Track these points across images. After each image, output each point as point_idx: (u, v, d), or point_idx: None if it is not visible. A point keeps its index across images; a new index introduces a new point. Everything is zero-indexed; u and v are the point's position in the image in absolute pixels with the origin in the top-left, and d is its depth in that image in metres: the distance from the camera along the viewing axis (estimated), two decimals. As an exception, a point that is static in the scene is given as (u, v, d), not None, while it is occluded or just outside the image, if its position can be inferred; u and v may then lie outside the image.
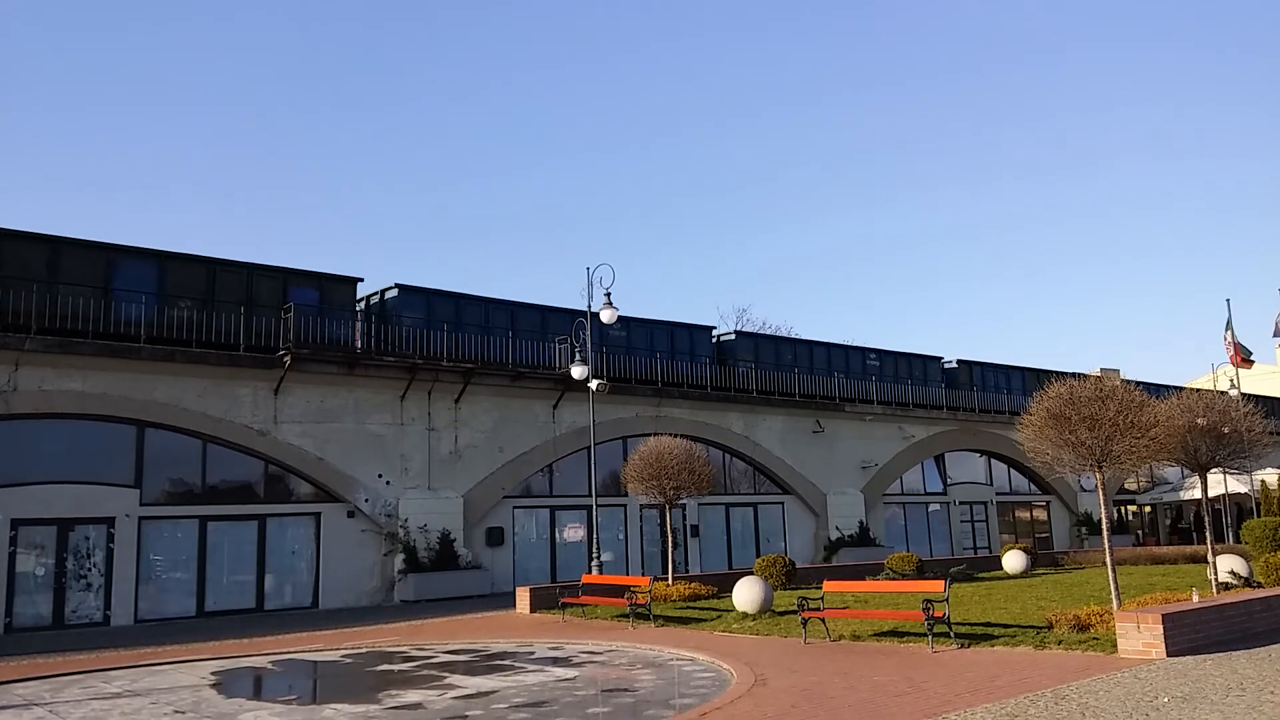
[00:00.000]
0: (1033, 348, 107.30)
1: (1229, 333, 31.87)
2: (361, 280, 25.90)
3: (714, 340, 34.30)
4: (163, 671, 13.85)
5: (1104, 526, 13.73)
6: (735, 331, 34.77)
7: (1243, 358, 32.55)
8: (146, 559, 21.82)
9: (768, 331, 52.53)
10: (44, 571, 20.55)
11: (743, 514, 33.46)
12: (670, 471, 20.54)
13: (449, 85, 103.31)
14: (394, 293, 26.87)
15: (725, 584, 20.45)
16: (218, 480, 23.31)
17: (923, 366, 40.40)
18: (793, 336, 37.08)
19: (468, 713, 9.86)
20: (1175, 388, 41.62)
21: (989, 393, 41.83)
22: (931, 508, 39.88)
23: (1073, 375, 50.19)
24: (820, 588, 15.70)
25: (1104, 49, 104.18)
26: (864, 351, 38.89)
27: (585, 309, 24.14)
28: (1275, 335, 32.51)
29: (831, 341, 38.47)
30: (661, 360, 30.87)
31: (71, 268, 21.64)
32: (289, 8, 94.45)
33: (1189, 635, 11.45)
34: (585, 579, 20.61)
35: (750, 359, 34.22)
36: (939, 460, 40.55)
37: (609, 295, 22.21)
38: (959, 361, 42.22)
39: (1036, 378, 43.82)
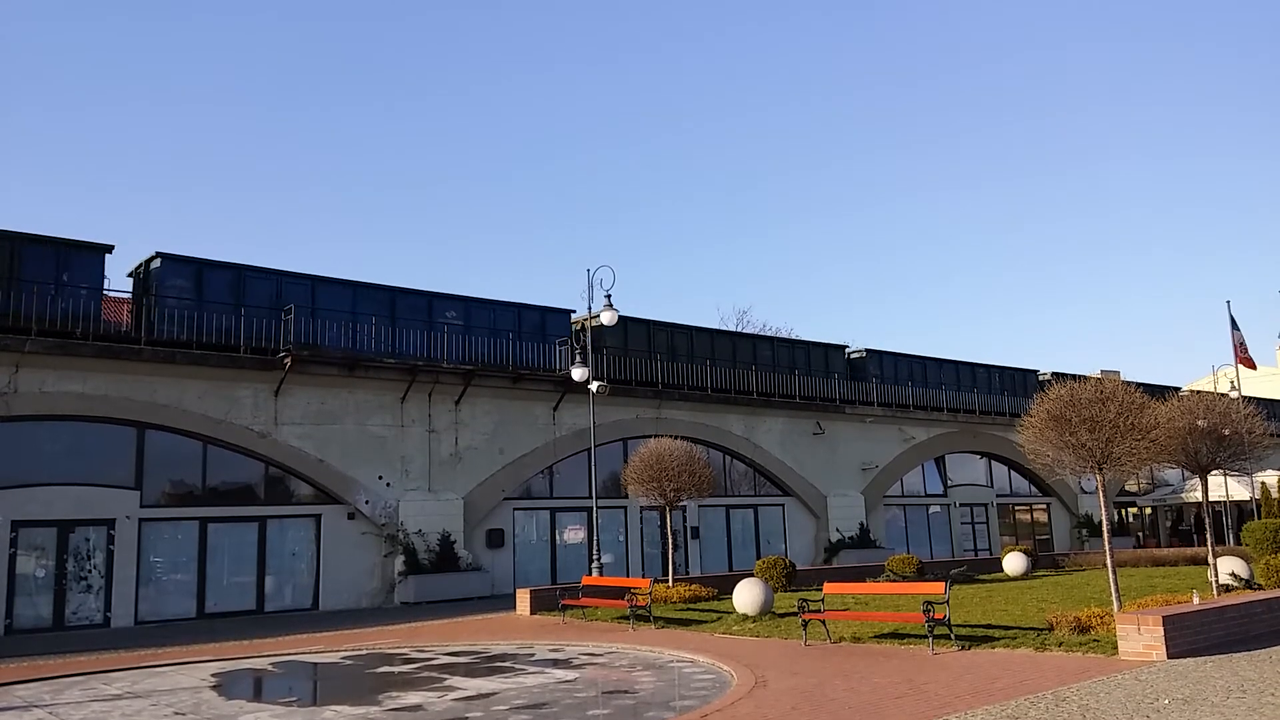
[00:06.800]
0: (1034, 347, 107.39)
1: (1237, 332, 31.80)
2: (112, 249, 22.25)
3: (580, 325, 30.21)
4: (163, 673, 13.84)
5: (1104, 528, 13.72)
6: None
7: (1244, 357, 32.47)
8: (147, 560, 21.82)
9: (768, 332, 52.55)
10: (44, 573, 20.55)
11: (743, 516, 33.45)
12: (670, 473, 20.54)
13: (449, 85, 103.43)
14: (157, 263, 23.11)
15: (725, 586, 20.45)
16: (218, 482, 23.31)
17: (824, 356, 36.94)
18: (664, 322, 32.11)
19: (468, 714, 9.85)
20: (1175, 389, 41.61)
21: (898, 385, 38.43)
22: (932, 509, 39.86)
23: (990, 368, 48.38)
24: (821, 589, 15.69)
25: (1104, 49, 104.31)
26: (754, 339, 36.07)
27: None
28: None
29: (716, 328, 34.60)
30: (512, 343, 27.85)
31: None
32: (286, 7, 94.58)
33: (1190, 637, 11.44)
34: (585, 581, 20.60)
35: (618, 344, 30.55)
36: (939, 462, 40.54)
37: (609, 297, 22.23)
38: (868, 351, 38.94)
39: (956, 369, 41.71)
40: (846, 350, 38.79)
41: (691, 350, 32.80)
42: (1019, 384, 43.87)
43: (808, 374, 35.68)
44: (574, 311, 29.83)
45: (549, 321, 29.34)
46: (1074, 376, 49.07)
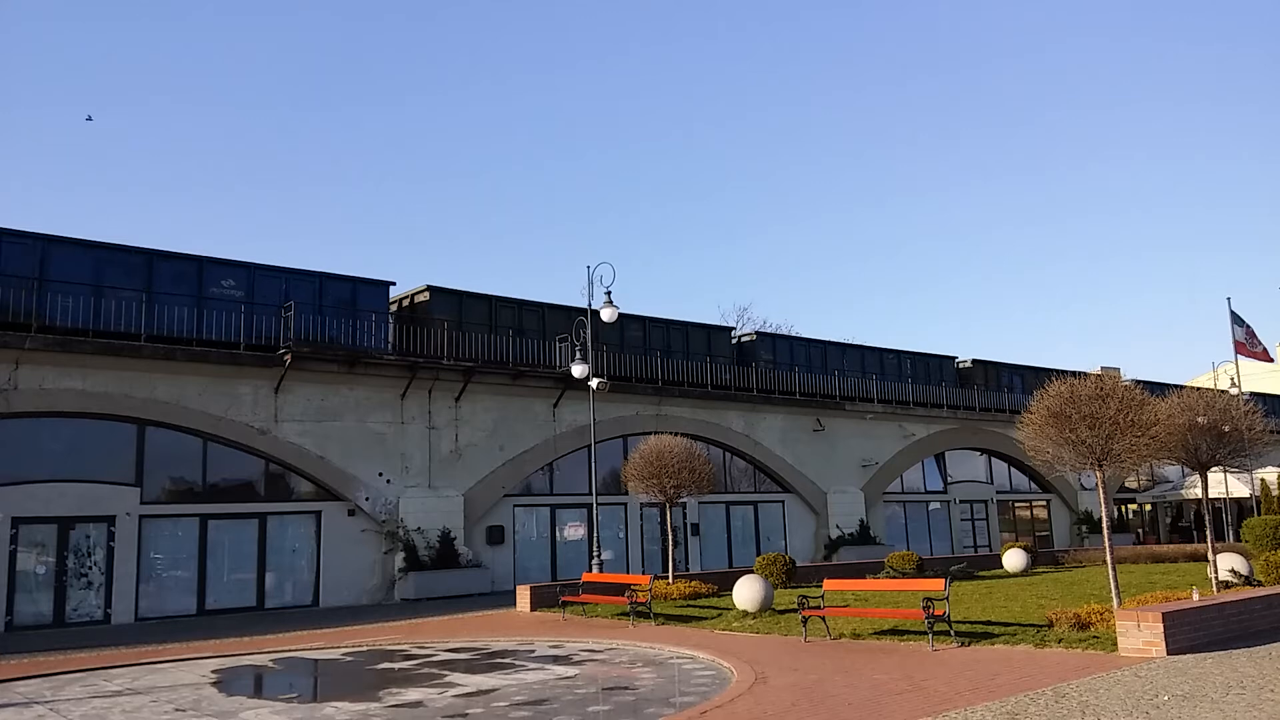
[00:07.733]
0: (1034, 347, 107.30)
1: (1242, 328, 31.52)
2: None
3: (407, 300, 28.46)
4: (163, 669, 13.85)
5: (1104, 525, 13.71)
6: (428, 288, 27.97)
7: (1256, 350, 32.04)
8: (147, 557, 21.84)
9: (769, 329, 52.46)
10: (45, 570, 20.56)
11: (743, 512, 33.46)
12: (670, 470, 20.53)
13: (450, 85, 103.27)
14: None
15: (725, 582, 20.45)
16: (218, 478, 23.31)
17: (706, 338, 33.74)
18: (506, 297, 29.06)
19: (468, 711, 9.86)
20: (1176, 386, 41.53)
21: (792, 370, 35.47)
22: (932, 506, 39.87)
23: (900, 353, 47.21)
24: (820, 586, 15.70)
25: (1104, 49, 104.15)
26: (633, 320, 31.70)
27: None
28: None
29: (574, 306, 29.86)
30: (311, 318, 24.75)
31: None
32: (286, 7, 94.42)
33: (1189, 634, 11.44)
34: (586, 577, 20.61)
35: (450, 318, 27.30)
36: (939, 459, 40.54)
37: (609, 293, 22.20)
38: (758, 334, 36.94)
39: (861, 354, 39.05)
40: (733, 333, 36.41)
41: (544, 328, 29.28)
42: (934, 371, 41.36)
43: (686, 358, 32.51)
44: (394, 284, 27.23)
45: (361, 295, 26.01)
46: (995, 364, 48.19)
